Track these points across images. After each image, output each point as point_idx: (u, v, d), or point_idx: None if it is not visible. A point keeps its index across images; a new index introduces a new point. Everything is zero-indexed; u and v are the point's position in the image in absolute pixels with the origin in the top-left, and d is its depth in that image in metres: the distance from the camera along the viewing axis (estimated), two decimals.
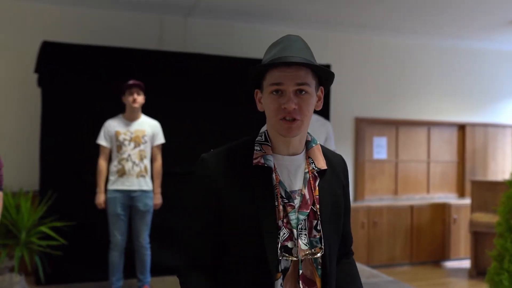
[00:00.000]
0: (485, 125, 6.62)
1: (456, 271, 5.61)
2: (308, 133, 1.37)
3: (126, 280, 4.10)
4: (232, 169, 1.29)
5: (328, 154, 1.42)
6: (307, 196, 1.29)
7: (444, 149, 6.53)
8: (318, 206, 1.30)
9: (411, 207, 5.88)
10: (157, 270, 4.35)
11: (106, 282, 4.14)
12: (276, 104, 1.25)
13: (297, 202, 1.28)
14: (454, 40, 6.33)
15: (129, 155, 3.79)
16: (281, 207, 1.26)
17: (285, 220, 1.26)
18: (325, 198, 1.32)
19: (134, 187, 3.78)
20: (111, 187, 3.79)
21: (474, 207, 5.35)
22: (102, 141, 3.84)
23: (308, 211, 1.28)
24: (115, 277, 3.83)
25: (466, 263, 5.83)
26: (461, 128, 6.58)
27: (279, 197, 1.27)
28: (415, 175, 6.37)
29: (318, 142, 1.40)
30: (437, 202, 6.03)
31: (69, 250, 4.23)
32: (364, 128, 6.09)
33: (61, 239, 4.07)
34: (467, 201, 6.03)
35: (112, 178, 3.80)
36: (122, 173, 3.78)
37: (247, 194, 1.26)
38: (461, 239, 6.00)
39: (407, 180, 6.33)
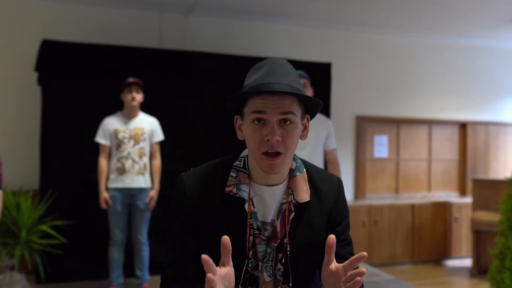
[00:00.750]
0: (487, 123, 6.60)
1: (458, 270, 5.59)
2: (294, 159, 1.28)
3: (124, 279, 4.09)
4: (208, 193, 1.24)
5: (317, 182, 1.31)
6: (278, 229, 1.23)
7: (445, 147, 6.51)
8: (287, 241, 1.23)
9: (412, 206, 5.87)
10: (156, 268, 4.35)
11: (107, 280, 4.14)
12: (258, 136, 1.16)
13: (268, 233, 1.24)
14: (456, 38, 6.31)
15: (129, 153, 3.78)
16: (250, 238, 1.22)
17: (252, 251, 1.23)
18: (299, 232, 1.25)
19: (134, 184, 3.78)
20: (111, 185, 3.78)
21: (475, 206, 5.33)
22: (101, 139, 3.83)
23: (276, 244, 1.24)
24: (115, 274, 3.83)
25: (467, 262, 5.82)
26: (463, 126, 6.56)
27: (248, 228, 1.22)
28: (416, 173, 6.36)
29: (304, 170, 1.29)
30: (438, 201, 6.02)
31: (69, 249, 4.22)
32: (365, 126, 6.07)
33: (62, 238, 4.06)
34: (468, 199, 6.02)
35: (112, 176, 3.80)
36: (122, 171, 3.77)
37: (220, 221, 1.23)
38: (463, 238, 5.98)
39: (408, 179, 6.31)
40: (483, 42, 6.46)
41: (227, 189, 1.23)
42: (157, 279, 4.28)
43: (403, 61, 6.22)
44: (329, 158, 3.52)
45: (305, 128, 1.26)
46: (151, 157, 3.94)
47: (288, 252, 1.24)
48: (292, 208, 1.25)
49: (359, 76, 6.02)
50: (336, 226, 1.33)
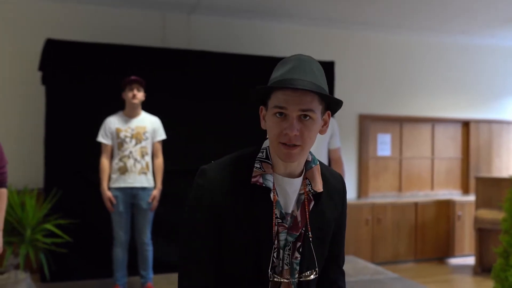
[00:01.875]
0: (490, 122, 6.60)
1: (461, 268, 5.59)
2: (309, 152, 1.33)
3: (129, 277, 4.10)
4: (232, 184, 1.27)
5: (326, 174, 1.38)
6: (299, 219, 1.29)
7: (448, 145, 6.51)
8: (309, 229, 1.29)
9: (415, 204, 5.87)
10: (161, 267, 4.36)
11: (111, 279, 4.15)
12: (278, 128, 1.22)
13: (288, 223, 1.29)
14: (458, 36, 6.31)
15: (131, 152, 3.76)
16: (275, 227, 1.27)
17: (276, 240, 1.27)
18: (316, 222, 1.31)
19: (136, 184, 3.76)
20: (113, 185, 3.76)
21: (478, 204, 5.33)
22: (102, 138, 3.81)
23: (298, 233, 1.29)
24: (120, 274, 3.83)
25: (470, 260, 5.82)
26: (465, 124, 6.55)
27: (274, 217, 1.26)
28: (419, 172, 6.36)
29: (318, 162, 1.36)
30: (441, 199, 6.02)
31: (73, 248, 4.24)
32: (368, 125, 6.07)
33: (66, 237, 4.08)
34: (471, 197, 6.01)
35: (114, 176, 3.78)
36: (124, 170, 3.76)
37: (246, 212, 1.26)
38: (466, 236, 5.98)
39: (411, 177, 6.31)
40: (485, 40, 6.45)
41: (253, 179, 1.27)
42: (161, 278, 4.30)
43: (406, 60, 6.22)
44: (333, 157, 3.52)
45: (325, 123, 1.32)
46: (153, 156, 3.93)
47: (311, 239, 1.30)
48: (311, 197, 1.31)
49: (362, 75, 6.02)
50: (340, 220, 1.40)
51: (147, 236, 3.87)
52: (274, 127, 1.23)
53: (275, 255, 1.27)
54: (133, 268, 4.11)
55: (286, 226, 1.28)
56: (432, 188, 6.40)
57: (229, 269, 1.28)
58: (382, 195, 6.13)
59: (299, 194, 1.31)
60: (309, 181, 1.31)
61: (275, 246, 1.27)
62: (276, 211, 1.27)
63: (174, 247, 4.56)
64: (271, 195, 1.27)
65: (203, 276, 1.26)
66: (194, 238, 1.27)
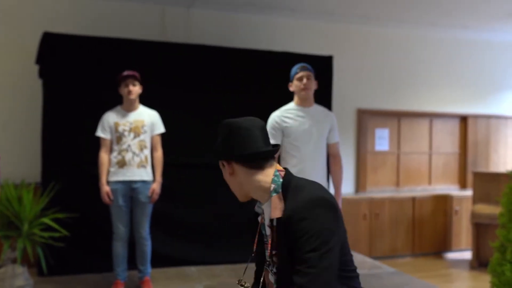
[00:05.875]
0: (488, 117, 6.60)
1: (458, 262, 5.62)
2: (275, 181, 1.49)
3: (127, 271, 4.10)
4: None
5: (288, 200, 1.46)
6: (270, 239, 1.51)
7: (446, 140, 6.52)
8: (274, 252, 1.49)
9: (413, 199, 5.88)
10: (158, 261, 4.36)
11: (109, 273, 4.15)
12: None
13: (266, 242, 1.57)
14: (457, 31, 6.29)
15: (129, 146, 3.76)
16: (266, 245, 1.58)
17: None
18: (279, 244, 1.46)
19: (135, 177, 3.76)
20: (111, 178, 3.75)
21: (475, 199, 5.34)
22: (101, 133, 3.80)
23: (269, 253, 1.53)
24: (120, 268, 3.83)
25: (467, 255, 5.84)
26: (463, 119, 6.56)
27: (257, 235, 1.62)
28: (417, 166, 6.37)
29: (280, 191, 1.48)
30: (439, 194, 6.03)
31: (71, 242, 4.23)
32: (366, 119, 6.07)
33: (64, 231, 4.07)
34: (468, 192, 6.03)
35: (112, 169, 3.77)
36: (122, 164, 3.75)
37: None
38: (463, 231, 6.00)
39: (409, 172, 6.32)
40: (484, 35, 6.44)
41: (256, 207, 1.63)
42: (158, 272, 4.31)
43: (405, 54, 6.21)
44: (331, 152, 3.50)
45: (232, 171, 1.56)
46: (152, 149, 3.92)
47: (275, 262, 1.50)
48: (273, 223, 1.47)
49: (361, 69, 6.01)
50: (294, 242, 1.40)
51: (145, 230, 3.86)
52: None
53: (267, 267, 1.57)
54: (130, 262, 4.11)
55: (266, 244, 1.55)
56: (429, 183, 6.41)
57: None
58: (380, 189, 6.14)
59: (270, 219, 1.51)
60: (271, 209, 1.49)
61: (267, 260, 1.56)
62: (263, 231, 1.57)
63: (172, 241, 4.56)
64: (259, 218, 1.60)
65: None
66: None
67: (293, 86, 3.35)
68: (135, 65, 4.27)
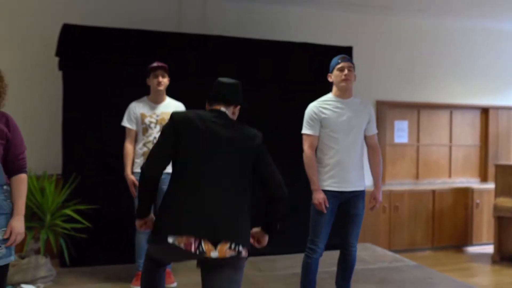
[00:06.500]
0: (509, 108, 6.48)
1: (479, 256, 5.54)
2: None
3: None
4: None
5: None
6: None
7: (466, 132, 6.42)
8: None
9: (433, 192, 5.81)
10: None
11: (130, 265, 4.17)
12: None
13: None
14: (478, 21, 6.17)
15: (155, 138, 3.75)
16: None
17: None
18: None
19: None
20: (137, 169, 3.75)
21: (498, 192, 5.26)
22: (127, 123, 3.80)
23: None
24: (143, 260, 3.83)
25: (488, 248, 5.76)
26: (484, 111, 6.45)
27: None
28: (437, 159, 6.28)
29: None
30: (459, 187, 5.95)
31: (93, 233, 4.25)
32: (385, 111, 6.00)
33: (86, 222, 4.09)
34: (489, 185, 5.94)
35: (137, 161, 3.77)
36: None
37: None
38: (484, 224, 5.92)
39: (428, 164, 6.24)
40: (506, 25, 6.30)
41: None
42: (179, 263, 4.29)
43: (424, 45, 6.11)
44: (370, 144, 3.44)
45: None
46: None
47: None
48: None
49: (380, 60, 5.93)
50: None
51: None
52: None
53: None
54: None
55: None
56: (449, 175, 6.33)
57: None
58: (399, 182, 6.07)
59: None
60: None
61: None
62: None
63: None
64: None
65: None
66: None
67: (333, 77, 3.29)
68: (153, 56, 4.23)
